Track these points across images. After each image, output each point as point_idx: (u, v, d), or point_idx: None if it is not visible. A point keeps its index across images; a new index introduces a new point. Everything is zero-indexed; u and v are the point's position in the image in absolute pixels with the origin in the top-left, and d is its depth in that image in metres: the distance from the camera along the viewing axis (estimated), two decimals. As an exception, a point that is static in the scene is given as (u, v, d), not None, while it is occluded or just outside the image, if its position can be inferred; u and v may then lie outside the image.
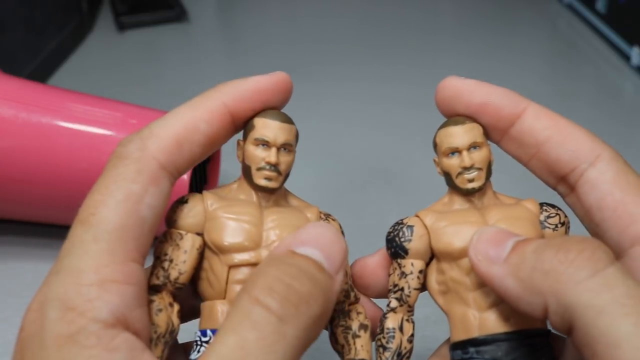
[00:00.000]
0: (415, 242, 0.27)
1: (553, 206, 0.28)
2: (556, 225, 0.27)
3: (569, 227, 0.27)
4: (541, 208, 0.27)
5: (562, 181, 0.26)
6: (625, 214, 0.23)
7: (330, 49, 0.92)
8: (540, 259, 0.21)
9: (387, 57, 0.88)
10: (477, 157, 0.26)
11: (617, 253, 0.24)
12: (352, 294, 0.27)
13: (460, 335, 0.26)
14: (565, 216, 0.27)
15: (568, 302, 0.20)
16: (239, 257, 0.25)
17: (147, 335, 0.23)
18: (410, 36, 0.94)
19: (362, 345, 0.26)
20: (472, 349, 0.25)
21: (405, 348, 0.27)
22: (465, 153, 0.26)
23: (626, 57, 0.83)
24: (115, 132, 0.49)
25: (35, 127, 0.47)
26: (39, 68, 0.81)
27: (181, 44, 0.96)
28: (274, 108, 0.27)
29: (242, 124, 0.27)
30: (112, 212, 0.22)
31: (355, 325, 0.27)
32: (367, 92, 0.82)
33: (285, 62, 0.88)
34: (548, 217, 0.27)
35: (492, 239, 0.23)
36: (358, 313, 0.27)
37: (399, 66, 0.86)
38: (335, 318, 0.27)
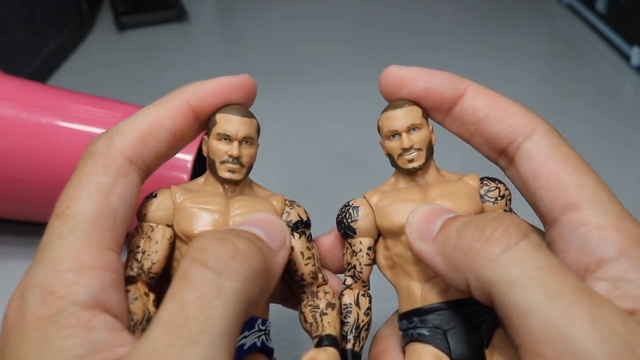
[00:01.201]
0: (361, 221, 0.28)
1: (493, 180, 0.28)
2: (496, 199, 0.28)
3: (509, 200, 0.28)
4: (481, 182, 0.28)
5: (502, 155, 0.27)
6: (557, 182, 0.24)
7: (330, 48, 0.92)
8: (460, 238, 0.22)
9: (387, 57, 0.88)
10: (416, 138, 0.28)
11: (550, 220, 0.25)
12: (320, 276, 0.28)
13: (406, 306, 0.27)
14: (506, 189, 0.28)
15: (485, 278, 0.21)
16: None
17: (127, 320, 0.23)
18: (410, 36, 0.94)
19: (329, 322, 0.27)
20: (416, 319, 0.26)
21: (362, 321, 0.28)
22: (404, 135, 0.28)
23: (626, 57, 0.83)
24: (115, 132, 0.49)
25: (35, 127, 0.47)
26: (39, 68, 0.81)
27: (181, 44, 0.96)
28: (237, 104, 0.28)
29: (207, 123, 0.28)
30: (85, 204, 0.23)
31: (322, 304, 0.28)
32: (367, 92, 0.82)
33: (285, 62, 0.88)
34: (488, 190, 0.28)
35: (424, 218, 0.24)
36: (325, 293, 0.28)
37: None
38: (304, 299, 0.28)
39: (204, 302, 0.20)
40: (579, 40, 0.92)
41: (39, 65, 0.82)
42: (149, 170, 0.26)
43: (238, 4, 1.08)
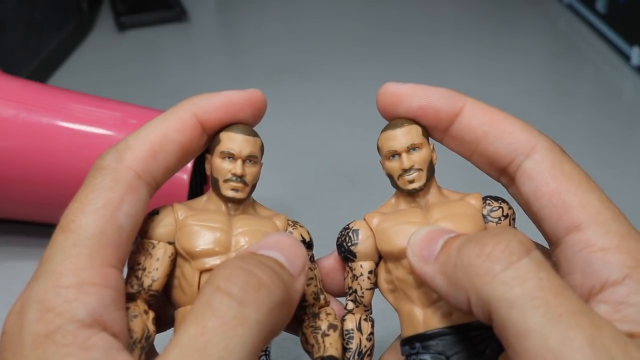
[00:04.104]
0: (361, 245, 0.28)
1: (496, 199, 0.28)
2: (499, 219, 0.27)
3: (513, 219, 0.28)
4: (484, 202, 0.28)
5: (503, 173, 0.27)
6: (560, 202, 0.24)
7: (330, 48, 0.92)
8: (461, 255, 0.22)
9: (387, 57, 0.88)
10: (417, 158, 0.27)
11: (555, 241, 0.24)
12: (322, 297, 0.28)
13: (408, 331, 0.26)
14: (509, 208, 0.28)
15: (485, 296, 0.20)
16: (210, 262, 0.26)
17: (126, 338, 0.23)
18: (410, 36, 0.94)
19: (330, 343, 0.27)
20: (418, 344, 0.26)
21: (365, 346, 0.28)
22: (404, 155, 0.27)
23: (626, 57, 0.83)
24: (115, 132, 0.49)
25: (35, 127, 0.47)
26: (39, 68, 0.81)
27: (181, 44, 0.96)
28: (241, 122, 0.28)
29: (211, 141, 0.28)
30: (91, 219, 0.23)
31: (324, 326, 0.28)
32: (367, 91, 0.82)
33: (285, 62, 0.88)
34: (491, 210, 0.27)
35: (425, 239, 0.24)
36: (327, 314, 0.28)
37: (400, 66, 0.86)
38: (305, 320, 0.28)
39: (226, 329, 0.19)
40: (579, 40, 0.92)
41: (39, 65, 0.82)
42: (157, 185, 0.26)
43: (238, 4, 1.08)
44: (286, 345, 0.44)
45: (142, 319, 0.25)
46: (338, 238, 0.29)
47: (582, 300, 0.20)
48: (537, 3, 1.04)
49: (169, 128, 0.26)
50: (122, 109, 0.51)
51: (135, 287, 0.26)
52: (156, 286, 0.26)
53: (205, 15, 1.05)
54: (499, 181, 0.28)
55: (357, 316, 0.28)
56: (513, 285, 0.20)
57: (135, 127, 0.51)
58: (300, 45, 0.93)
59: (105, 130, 0.49)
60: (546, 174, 0.25)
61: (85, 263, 0.22)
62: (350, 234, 0.28)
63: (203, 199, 0.28)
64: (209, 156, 0.28)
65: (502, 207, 0.27)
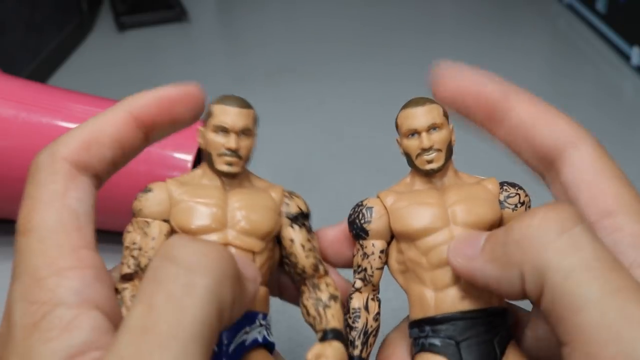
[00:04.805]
0: (374, 223, 0.27)
1: (514, 185, 0.27)
2: (515, 205, 0.27)
3: (529, 207, 0.27)
4: (501, 188, 0.27)
5: (546, 162, 0.27)
6: (597, 190, 0.25)
7: (330, 48, 0.92)
8: (510, 232, 0.21)
9: (387, 57, 0.88)
10: (437, 138, 0.27)
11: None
12: (321, 267, 0.28)
13: (417, 314, 0.26)
14: (526, 195, 0.27)
15: (539, 266, 0.20)
16: (207, 239, 0.25)
17: (116, 315, 0.23)
18: (411, 36, 0.94)
19: (332, 314, 0.27)
20: (428, 328, 0.25)
21: (371, 326, 0.27)
22: (424, 134, 0.27)
23: (626, 57, 0.83)
24: (115, 132, 0.49)
25: (35, 127, 0.47)
26: (39, 68, 0.81)
27: (181, 44, 0.96)
28: (232, 95, 0.28)
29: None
30: (44, 214, 0.23)
31: (325, 297, 0.27)
32: (367, 91, 0.82)
33: (285, 61, 0.88)
34: (508, 196, 0.27)
35: (466, 241, 0.24)
36: (327, 285, 0.28)
37: (400, 65, 0.86)
38: (305, 292, 0.28)
39: (173, 302, 0.19)
40: (579, 40, 0.92)
41: (39, 65, 0.82)
42: (98, 176, 0.26)
43: (238, 4, 1.08)
44: (288, 346, 0.44)
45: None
46: (350, 215, 0.28)
47: (635, 279, 0.20)
48: (537, 3, 1.04)
49: (102, 123, 0.26)
50: (122, 109, 0.51)
51: (132, 267, 0.25)
52: None
53: (205, 15, 1.05)
54: (538, 172, 0.28)
55: (365, 295, 0.28)
56: (569, 253, 0.20)
57: (135, 127, 0.51)
58: (301, 45, 0.93)
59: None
60: (589, 165, 0.25)
61: (55, 252, 0.22)
62: (363, 211, 0.27)
63: (197, 172, 0.28)
64: (201, 129, 0.28)
65: (519, 194, 0.27)
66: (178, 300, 0.18)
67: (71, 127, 0.52)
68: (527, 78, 0.83)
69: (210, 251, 0.20)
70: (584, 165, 0.26)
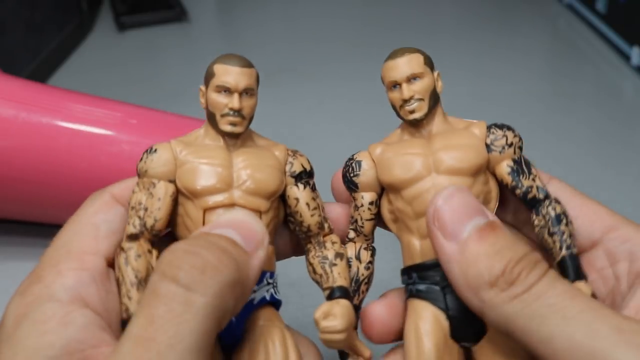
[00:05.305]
0: (362, 176, 0.28)
1: (501, 127, 0.27)
2: (502, 147, 0.27)
3: (519, 147, 0.27)
4: (488, 130, 0.27)
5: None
6: (590, 211, 0.26)
7: (331, 48, 0.92)
8: (488, 273, 0.22)
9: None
10: (417, 87, 0.27)
11: (589, 244, 0.26)
12: (326, 225, 0.28)
13: (406, 261, 0.27)
14: (515, 136, 0.27)
15: (503, 314, 0.21)
16: (213, 199, 0.25)
17: (110, 318, 0.23)
18: (411, 36, 0.94)
19: (339, 272, 0.27)
20: (415, 275, 0.26)
21: (362, 274, 0.28)
22: (404, 85, 0.27)
23: (626, 57, 0.83)
24: (115, 132, 0.49)
25: (35, 127, 0.47)
26: (39, 68, 0.81)
27: (181, 44, 0.96)
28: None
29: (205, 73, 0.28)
30: (69, 228, 0.25)
31: (331, 255, 0.27)
32: (367, 91, 0.82)
33: (285, 61, 0.88)
34: (494, 139, 0.27)
35: (456, 211, 0.23)
36: (333, 243, 0.28)
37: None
38: (311, 250, 0.28)
39: (174, 316, 0.19)
40: (579, 40, 0.92)
41: (39, 65, 0.82)
42: None
43: (238, 4, 1.08)
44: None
45: (146, 258, 0.25)
46: (343, 168, 0.29)
47: (602, 303, 0.21)
48: (537, 3, 1.04)
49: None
50: (122, 109, 0.51)
51: (138, 227, 0.25)
52: (159, 226, 0.26)
53: (205, 15, 1.05)
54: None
55: (358, 245, 0.28)
56: (530, 301, 0.21)
57: (135, 127, 0.51)
58: (301, 45, 0.93)
59: (105, 130, 0.49)
60: (570, 193, 0.27)
61: (63, 256, 0.24)
62: (353, 165, 0.28)
63: (200, 132, 0.28)
64: (202, 88, 0.28)
65: (506, 136, 0.27)
66: (177, 316, 0.19)
67: (71, 127, 0.52)
68: (527, 78, 0.83)
69: (206, 266, 0.21)
70: (567, 194, 0.27)
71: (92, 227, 0.25)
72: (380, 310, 0.27)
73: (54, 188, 0.49)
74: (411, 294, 0.26)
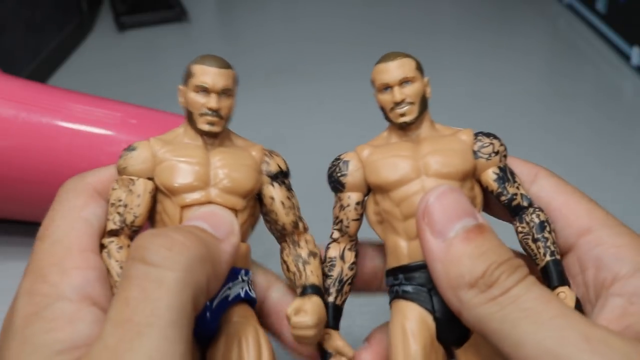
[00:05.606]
0: (350, 176, 0.28)
1: (488, 135, 0.28)
2: (489, 155, 0.27)
3: (505, 156, 0.28)
4: (475, 138, 0.28)
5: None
6: (569, 212, 0.26)
7: (331, 48, 0.92)
8: (469, 274, 0.22)
9: (387, 57, 0.89)
10: (409, 91, 0.27)
11: (566, 248, 0.26)
12: (301, 224, 0.28)
13: (392, 263, 0.27)
14: (501, 145, 0.28)
15: (477, 315, 0.21)
16: (190, 197, 0.26)
17: None
18: (411, 36, 0.94)
19: (311, 270, 0.28)
20: (401, 276, 0.26)
21: (346, 275, 0.28)
22: (396, 88, 0.27)
23: (626, 57, 0.83)
24: (115, 132, 0.49)
25: (35, 127, 0.47)
26: (39, 68, 0.81)
27: (181, 44, 0.96)
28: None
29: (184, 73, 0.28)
30: (61, 222, 0.25)
31: (304, 253, 0.28)
32: (367, 91, 0.82)
33: (285, 61, 0.88)
34: (482, 147, 0.27)
35: (446, 210, 0.24)
36: (307, 241, 0.28)
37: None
38: (285, 248, 0.29)
39: (146, 295, 0.20)
40: (579, 40, 0.92)
41: (39, 65, 0.82)
42: None
43: (238, 4, 1.08)
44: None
45: (127, 251, 0.25)
46: (329, 168, 0.29)
47: (572, 309, 0.21)
48: (537, 3, 1.04)
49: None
50: (122, 109, 0.51)
51: (118, 223, 0.26)
52: (138, 222, 0.26)
53: (205, 15, 1.05)
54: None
55: (342, 245, 0.28)
56: (505, 304, 0.21)
57: (135, 127, 0.51)
58: (301, 45, 0.93)
59: (105, 130, 0.49)
60: (553, 192, 0.27)
61: (63, 253, 0.24)
62: (340, 164, 0.28)
63: (179, 131, 0.28)
64: (182, 88, 0.28)
65: (492, 144, 0.28)
66: (150, 294, 0.20)
67: (71, 127, 0.52)
68: (527, 78, 0.83)
69: (173, 243, 0.21)
70: (550, 194, 0.27)
71: (85, 222, 0.25)
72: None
73: (54, 188, 0.48)
74: (397, 295, 0.26)
